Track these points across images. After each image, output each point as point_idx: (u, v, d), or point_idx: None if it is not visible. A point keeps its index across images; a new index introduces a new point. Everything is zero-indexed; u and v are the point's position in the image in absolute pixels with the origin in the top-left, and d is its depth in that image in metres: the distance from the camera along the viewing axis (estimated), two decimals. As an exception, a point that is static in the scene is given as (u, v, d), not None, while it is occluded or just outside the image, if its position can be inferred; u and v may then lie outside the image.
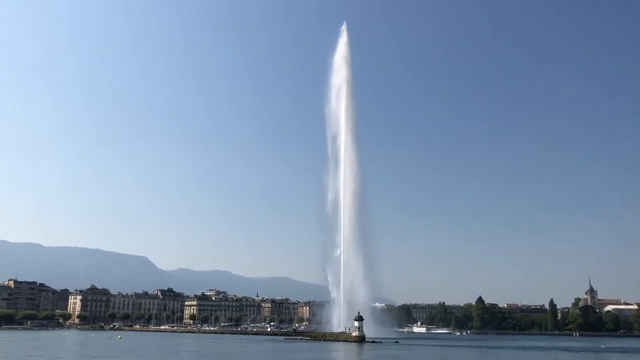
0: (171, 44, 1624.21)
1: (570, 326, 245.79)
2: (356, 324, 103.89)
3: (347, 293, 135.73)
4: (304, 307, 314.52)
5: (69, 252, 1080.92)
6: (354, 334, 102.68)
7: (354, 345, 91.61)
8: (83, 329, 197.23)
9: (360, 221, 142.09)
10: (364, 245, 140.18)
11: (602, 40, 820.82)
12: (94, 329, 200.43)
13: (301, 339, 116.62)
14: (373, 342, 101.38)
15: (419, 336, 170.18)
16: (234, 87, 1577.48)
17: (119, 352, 71.82)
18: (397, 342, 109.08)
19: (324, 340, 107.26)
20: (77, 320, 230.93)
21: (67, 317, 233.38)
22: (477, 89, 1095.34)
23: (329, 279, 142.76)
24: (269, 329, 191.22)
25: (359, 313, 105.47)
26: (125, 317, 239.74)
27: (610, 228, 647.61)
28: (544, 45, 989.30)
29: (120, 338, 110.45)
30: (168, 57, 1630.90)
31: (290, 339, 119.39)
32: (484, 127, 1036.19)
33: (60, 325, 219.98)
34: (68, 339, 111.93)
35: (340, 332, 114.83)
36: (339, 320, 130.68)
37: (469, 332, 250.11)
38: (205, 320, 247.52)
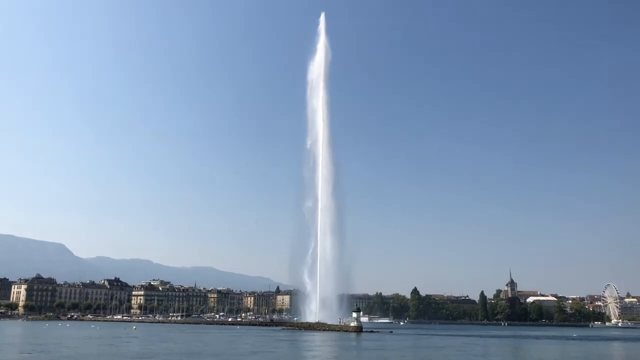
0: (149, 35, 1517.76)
1: (499, 316, 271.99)
2: (354, 315, 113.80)
3: (320, 286, 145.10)
4: (249, 298, 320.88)
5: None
6: (352, 325, 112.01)
7: (354, 335, 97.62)
8: (37, 320, 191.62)
9: (337, 220, 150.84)
10: (337, 241, 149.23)
11: (601, 37, 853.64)
12: (49, 319, 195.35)
13: (298, 328, 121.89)
14: (371, 331, 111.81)
15: (393, 327, 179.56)
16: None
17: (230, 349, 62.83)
18: (392, 332, 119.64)
19: (323, 330, 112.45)
20: (22, 311, 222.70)
21: (13, 307, 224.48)
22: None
23: (304, 273, 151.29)
24: (229, 320, 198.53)
25: (357, 305, 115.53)
26: (74, 307, 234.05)
27: (527, 223, 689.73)
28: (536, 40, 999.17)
29: (135, 329, 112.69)
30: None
31: (288, 328, 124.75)
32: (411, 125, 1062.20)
33: (5, 316, 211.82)
34: (74, 330, 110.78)
35: (324, 323, 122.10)
36: (315, 311, 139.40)
37: (405, 321, 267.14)
38: (156, 309, 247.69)
